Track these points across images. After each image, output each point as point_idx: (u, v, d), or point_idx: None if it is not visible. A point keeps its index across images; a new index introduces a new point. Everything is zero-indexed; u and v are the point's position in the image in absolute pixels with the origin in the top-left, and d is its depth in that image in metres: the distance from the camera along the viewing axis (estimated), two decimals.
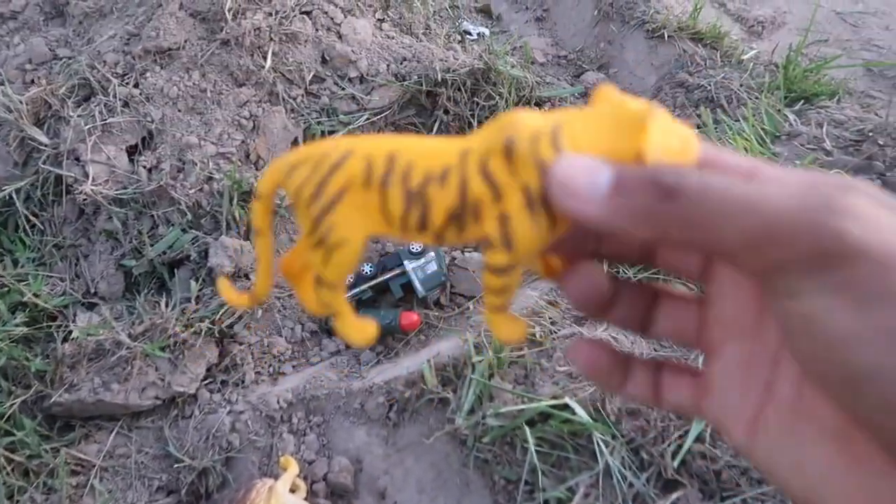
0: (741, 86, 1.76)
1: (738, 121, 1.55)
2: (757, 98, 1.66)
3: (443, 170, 0.27)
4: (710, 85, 1.79)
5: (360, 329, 0.33)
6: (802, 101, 1.65)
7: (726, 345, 0.29)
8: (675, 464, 0.93)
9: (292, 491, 1.07)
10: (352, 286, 1.36)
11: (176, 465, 1.13)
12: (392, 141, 0.29)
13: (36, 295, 1.23)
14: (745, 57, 1.89)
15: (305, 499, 1.08)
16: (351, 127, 1.47)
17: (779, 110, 1.57)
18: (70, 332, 1.21)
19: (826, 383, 0.23)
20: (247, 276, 1.33)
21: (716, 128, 1.54)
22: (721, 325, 0.29)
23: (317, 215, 0.29)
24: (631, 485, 0.93)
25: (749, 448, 0.27)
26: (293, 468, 1.10)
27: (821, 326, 0.22)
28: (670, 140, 0.25)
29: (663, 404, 0.31)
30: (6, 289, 1.25)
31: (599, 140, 0.25)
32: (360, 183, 0.28)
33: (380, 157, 0.28)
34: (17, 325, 1.19)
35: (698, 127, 1.70)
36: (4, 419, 1.08)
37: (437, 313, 1.36)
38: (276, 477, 1.08)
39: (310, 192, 0.29)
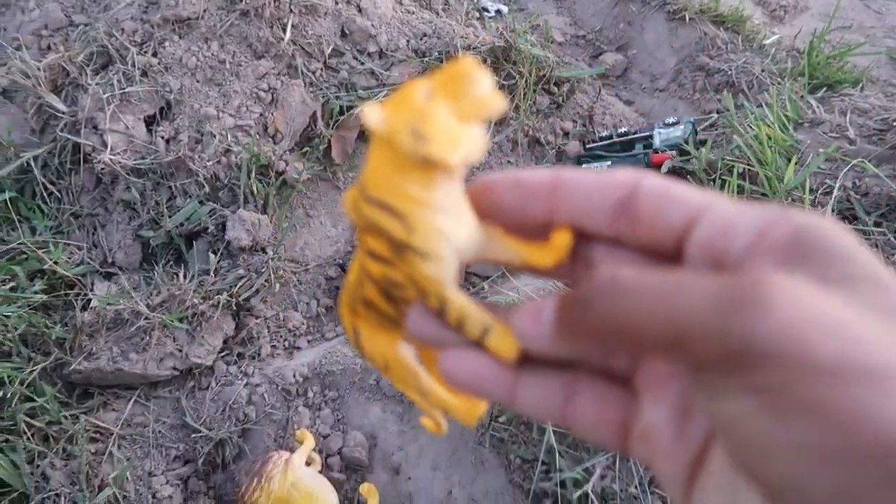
0: (763, 71, 1.74)
1: (760, 106, 1.53)
2: (779, 83, 1.64)
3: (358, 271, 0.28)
4: (730, 69, 1.77)
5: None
6: (825, 88, 1.63)
7: (664, 384, 0.26)
8: None
9: (308, 464, 1.09)
10: None
11: (193, 436, 1.14)
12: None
13: (55, 263, 1.23)
14: (766, 42, 1.87)
15: (320, 472, 1.09)
16: (369, 102, 1.46)
17: (801, 97, 1.56)
18: (89, 300, 1.21)
19: (751, 482, 0.21)
20: (263, 250, 1.33)
21: (737, 113, 1.53)
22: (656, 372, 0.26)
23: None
24: (647, 468, 0.94)
25: (686, 497, 0.24)
26: (309, 442, 1.11)
27: (739, 433, 0.20)
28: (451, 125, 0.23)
29: (575, 426, 0.27)
30: (24, 256, 1.25)
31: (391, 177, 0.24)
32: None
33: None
34: (35, 293, 1.19)
35: (718, 112, 1.69)
36: (25, 385, 1.09)
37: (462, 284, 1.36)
38: (292, 450, 1.09)
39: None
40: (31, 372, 1.11)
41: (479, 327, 0.26)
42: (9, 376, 1.08)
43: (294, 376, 1.22)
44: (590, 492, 0.93)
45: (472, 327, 0.26)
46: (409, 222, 0.24)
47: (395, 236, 0.24)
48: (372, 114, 0.23)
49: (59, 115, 1.41)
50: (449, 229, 0.24)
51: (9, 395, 1.06)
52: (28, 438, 1.06)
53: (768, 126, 1.37)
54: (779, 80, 1.68)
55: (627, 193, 0.25)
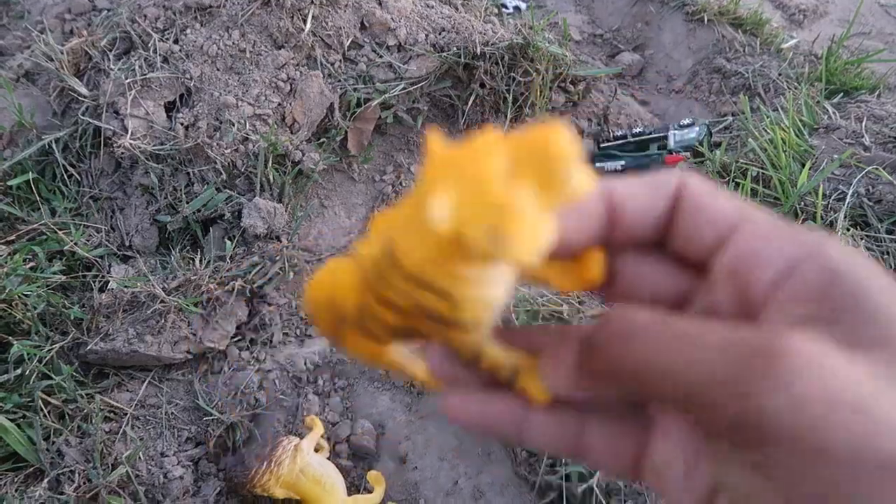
0: (779, 75, 1.74)
1: (775, 110, 1.54)
2: (796, 88, 1.64)
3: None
4: (747, 72, 1.77)
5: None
6: (842, 94, 1.63)
7: (676, 419, 0.25)
8: None
9: (316, 450, 1.10)
10: None
11: (205, 418, 1.16)
12: None
13: (75, 244, 1.25)
14: (784, 46, 1.86)
15: (328, 458, 1.11)
16: (387, 96, 1.47)
17: (818, 102, 1.56)
18: (106, 282, 1.23)
19: None
20: (278, 238, 1.34)
21: (752, 116, 1.53)
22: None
23: None
24: None
25: None
26: (318, 428, 1.12)
27: None
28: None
29: (587, 459, 0.26)
30: (44, 237, 1.27)
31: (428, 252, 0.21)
32: None
33: None
34: (54, 273, 1.22)
35: (733, 115, 1.69)
36: (43, 363, 1.11)
37: None
38: (301, 436, 1.11)
39: None
40: (50, 350, 1.13)
41: (509, 372, 0.25)
42: (28, 354, 1.10)
43: (305, 364, 1.24)
44: (594, 486, 0.94)
45: (502, 373, 0.25)
46: (454, 300, 0.22)
47: (435, 312, 0.22)
48: (439, 209, 0.19)
49: (80, 98, 1.43)
50: (495, 296, 0.22)
51: (27, 373, 1.09)
52: (45, 415, 1.08)
53: (783, 130, 1.37)
54: (795, 84, 1.68)
55: (671, 203, 0.24)
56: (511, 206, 0.19)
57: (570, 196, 0.20)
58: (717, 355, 0.19)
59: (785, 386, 0.17)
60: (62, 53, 1.46)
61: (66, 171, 1.40)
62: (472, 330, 0.23)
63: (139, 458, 1.09)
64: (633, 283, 0.26)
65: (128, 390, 1.18)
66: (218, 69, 1.44)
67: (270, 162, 1.36)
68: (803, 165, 1.28)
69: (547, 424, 0.26)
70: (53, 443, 1.07)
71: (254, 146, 1.36)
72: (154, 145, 1.36)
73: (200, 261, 1.27)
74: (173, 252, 1.31)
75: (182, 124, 1.38)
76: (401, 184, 1.53)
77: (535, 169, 0.19)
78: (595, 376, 0.22)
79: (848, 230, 1.17)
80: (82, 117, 1.40)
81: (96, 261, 1.29)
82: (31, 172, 1.35)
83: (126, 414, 1.14)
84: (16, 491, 1.01)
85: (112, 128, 1.37)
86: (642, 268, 0.26)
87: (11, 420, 1.05)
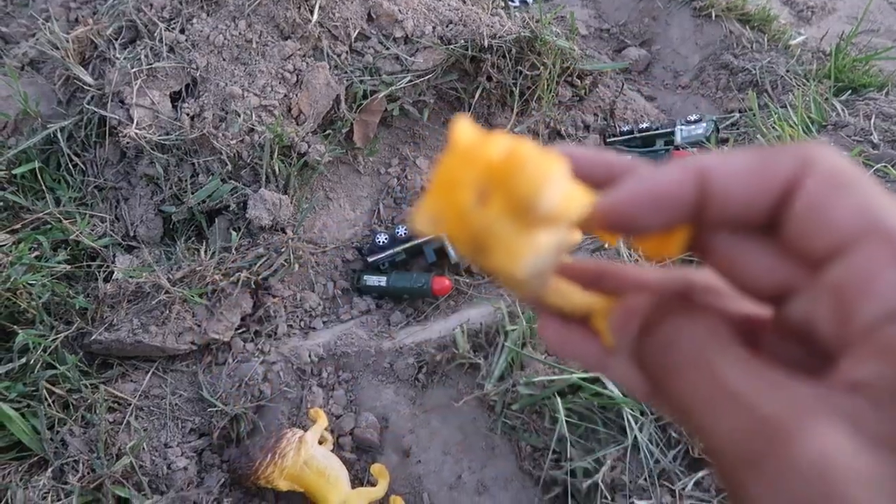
0: (787, 71, 1.73)
1: (784, 107, 1.53)
2: (804, 85, 1.64)
3: None
4: (755, 69, 1.77)
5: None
6: (850, 91, 1.62)
7: None
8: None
9: (320, 443, 1.10)
10: (385, 248, 1.37)
11: (209, 410, 1.16)
12: None
13: (79, 234, 1.25)
14: (792, 42, 1.85)
15: (332, 451, 1.11)
16: (393, 88, 1.47)
17: (826, 99, 1.55)
18: (111, 272, 1.23)
19: None
20: (283, 230, 1.34)
21: (760, 112, 1.52)
22: None
23: None
24: (657, 461, 0.95)
25: None
26: (322, 420, 1.12)
27: None
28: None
29: (662, 411, 0.25)
30: (49, 226, 1.27)
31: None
32: None
33: None
34: (59, 263, 1.21)
35: (741, 111, 1.68)
36: (48, 353, 1.11)
37: (467, 280, 1.38)
38: (305, 428, 1.11)
39: None
40: (54, 340, 1.13)
41: (580, 313, 0.25)
42: (32, 343, 1.10)
43: (309, 356, 1.24)
44: (600, 482, 0.94)
45: (572, 314, 0.26)
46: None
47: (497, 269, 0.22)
48: (421, 219, 0.20)
49: (86, 87, 1.43)
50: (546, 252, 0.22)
51: (32, 362, 1.09)
52: (49, 405, 1.08)
53: (791, 127, 1.37)
54: (803, 81, 1.67)
55: (782, 195, 0.21)
56: (482, 224, 0.20)
57: (549, 219, 0.20)
58: (740, 423, 0.19)
59: (773, 478, 0.18)
60: (67, 42, 1.45)
61: (71, 160, 1.39)
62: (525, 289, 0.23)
63: (143, 448, 1.09)
64: (731, 265, 0.23)
65: (132, 381, 1.18)
66: (224, 59, 1.43)
67: (276, 153, 1.35)
68: None
69: (624, 367, 0.25)
70: (58, 432, 1.07)
71: (259, 137, 1.35)
72: (159, 135, 1.35)
73: (205, 252, 1.26)
74: (178, 243, 1.31)
75: (188, 114, 1.37)
76: (406, 177, 1.52)
77: (508, 192, 0.19)
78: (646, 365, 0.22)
79: None
80: (87, 106, 1.40)
81: (101, 250, 1.29)
82: (35, 161, 1.35)
83: (130, 404, 1.14)
84: (20, 480, 1.01)
85: (117, 117, 1.36)
86: (742, 250, 0.23)
87: (16, 409, 1.05)
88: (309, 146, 1.40)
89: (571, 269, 0.26)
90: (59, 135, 1.38)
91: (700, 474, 0.94)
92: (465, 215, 0.20)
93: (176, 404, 1.17)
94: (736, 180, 0.21)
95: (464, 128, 0.20)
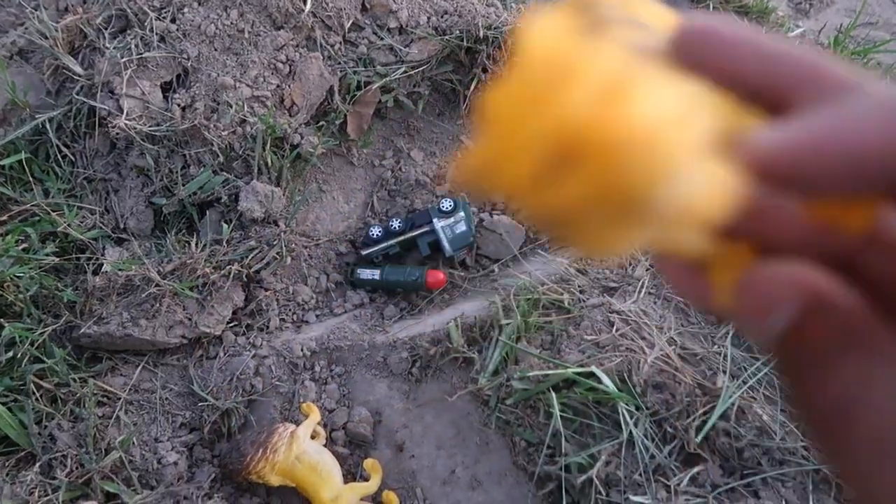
0: None
1: None
2: None
3: None
4: None
5: None
6: None
7: None
8: (698, 439, 0.94)
9: (312, 437, 1.09)
10: (379, 241, 1.35)
11: (199, 404, 1.15)
12: None
13: (68, 226, 1.23)
14: (790, 35, 1.84)
15: (324, 445, 1.10)
16: (387, 79, 1.45)
17: None
18: (100, 264, 1.21)
19: None
20: (275, 223, 1.32)
21: None
22: None
23: None
24: (653, 456, 0.94)
25: None
26: (315, 415, 1.11)
27: None
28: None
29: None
30: (37, 218, 1.25)
31: None
32: None
33: None
34: (47, 255, 1.19)
35: None
36: (35, 346, 1.09)
37: (462, 273, 1.36)
38: (297, 422, 1.10)
39: None
40: (42, 333, 1.11)
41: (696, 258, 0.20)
42: (20, 336, 1.08)
43: (301, 350, 1.23)
44: (594, 477, 0.93)
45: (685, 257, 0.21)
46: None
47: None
48: (468, 171, 0.15)
49: (75, 77, 1.40)
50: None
51: (19, 356, 1.07)
52: (37, 399, 1.06)
53: None
54: None
55: None
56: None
57: (665, 219, 0.14)
58: None
59: None
60: (56, 31, 1.43)
61: (60, 151, 1.37)
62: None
63: (133, 443, 1.07)
64: None
65: (121, 375, 1.17)
66: (216, 49, 1.41)
67: (268, 145, 1.33)
68: None
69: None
70: (45, 427, 1.06)
71: (252, 128, 1.33)
72: (150, 126, 1.33)
73: (196, 244, 1.25)
74: (169, 235, 1.29)
75: (179, 105, 1.35)
76: (400, 169, 1.51)
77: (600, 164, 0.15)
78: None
79: None
80: (77, 97, 1.37)
81: (90, 243, 1.27)
82: (23, 152, 1.33)
83: (119, 398, 1.13)
84: (7, 475, 0.99)
85: (107, 108, 1.34)
86: None
87: (3, 404, 1.03)
88: (302, 138, 1.38)
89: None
90: (47, 125, 1.36)
91: (695, 469, 0.93)
92: (535, 179, 0.14)
93: (166, 398, 1.16)
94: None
95: (548, 26, 0.14)
